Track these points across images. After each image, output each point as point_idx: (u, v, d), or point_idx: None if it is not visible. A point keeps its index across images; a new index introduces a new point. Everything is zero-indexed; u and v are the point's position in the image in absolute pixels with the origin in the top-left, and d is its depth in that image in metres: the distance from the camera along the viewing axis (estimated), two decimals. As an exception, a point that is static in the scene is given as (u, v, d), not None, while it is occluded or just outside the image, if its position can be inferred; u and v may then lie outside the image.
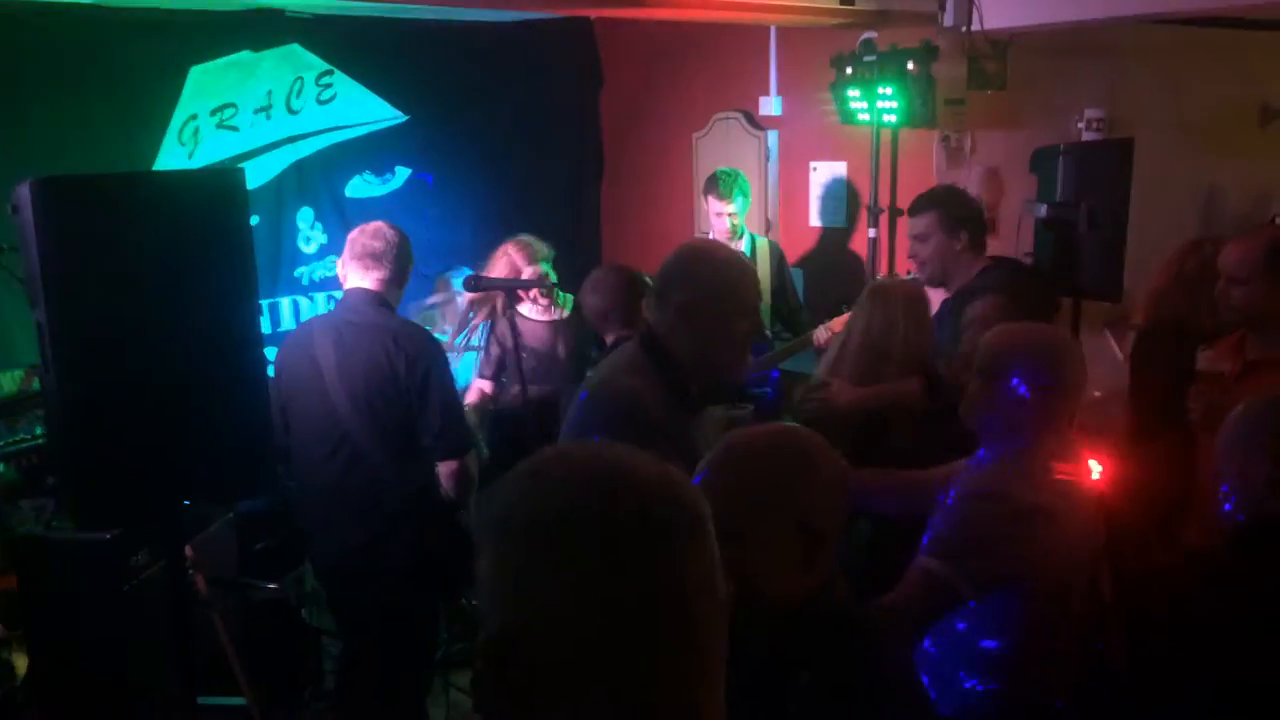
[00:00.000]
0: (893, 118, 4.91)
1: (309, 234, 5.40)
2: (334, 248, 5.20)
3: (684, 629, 0.90)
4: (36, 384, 3.25)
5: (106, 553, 3.27)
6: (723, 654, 0.93)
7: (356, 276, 3.27)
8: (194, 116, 4.90)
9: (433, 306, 4.69)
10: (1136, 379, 3.53)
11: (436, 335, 3.59)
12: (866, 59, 4.92)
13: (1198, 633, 1.64)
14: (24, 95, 4.30)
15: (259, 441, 2.53)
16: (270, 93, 5.14)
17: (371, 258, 3.25)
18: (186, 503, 2.46)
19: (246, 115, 5.08)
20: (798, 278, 5.43)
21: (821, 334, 4.38)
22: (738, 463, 1.58)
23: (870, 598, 3.17)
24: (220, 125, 4.99)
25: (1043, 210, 4.38)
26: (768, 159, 5.82)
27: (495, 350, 4.26)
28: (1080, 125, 4.98)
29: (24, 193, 2.17)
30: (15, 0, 4.16)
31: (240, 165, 4.85)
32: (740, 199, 4.78)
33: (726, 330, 2.35)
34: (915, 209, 3.62)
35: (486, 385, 4.30)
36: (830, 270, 5.69)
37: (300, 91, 5.23)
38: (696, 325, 2.34)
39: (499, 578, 0.91)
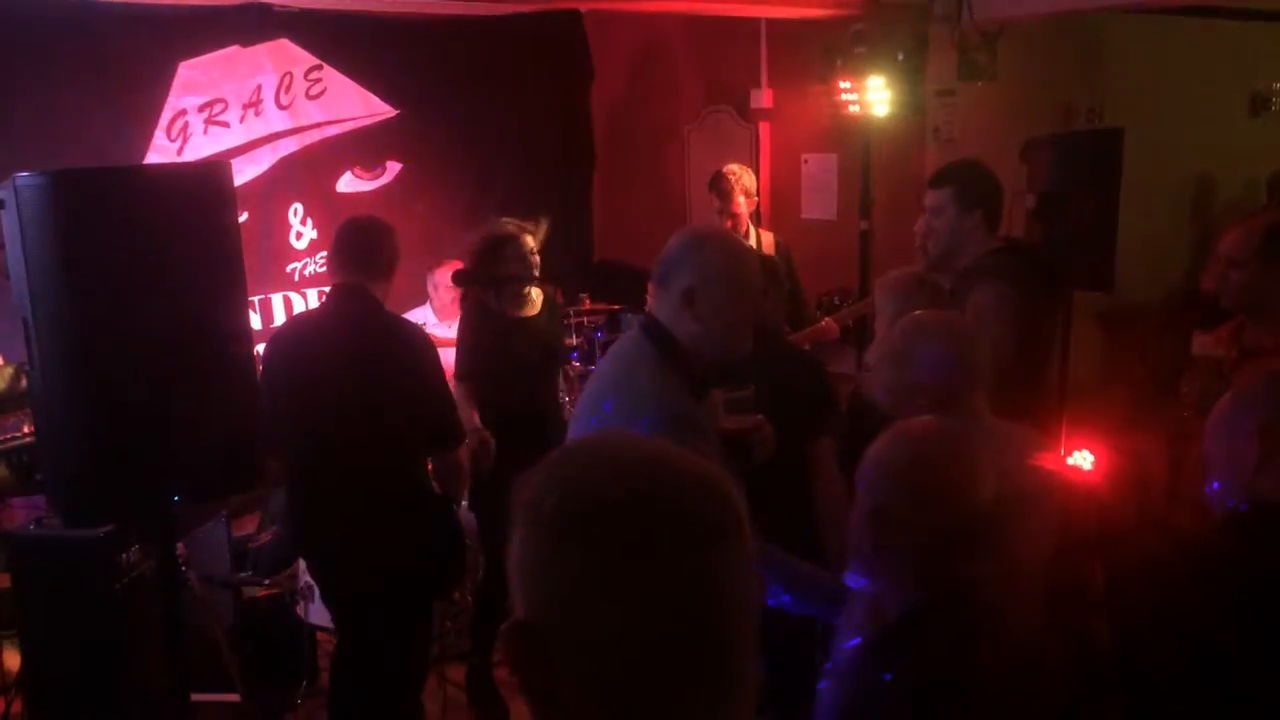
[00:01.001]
0: (883, 109, 4.90)
1: (299, 229, 5.39)
2: (325, 243, 5.19)
3: (713, 629, 0.88)
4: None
5: (98, 550, 3.28)
6: (753, 655, 0.92)
7: (344, 272, 3.26)
8: (182, 112, 4.89)
9: None
10: None
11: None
12: (857, 50, 4.91)
13: (1185, 617, 1.64)
14: (11, 89, 4.28)
15: (248, 437, 2.52)
16: (259, 87, 5.12)
17: (359, 252, 3.23)
18: (176, 499, 2.45)
19: (235, 110, 5.06)
20: (789, 270, 5.42)
21: (832, 325, 4.41)
22: None
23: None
24: (209, 120, 4.98)
25: (1032, 201, 4.39)
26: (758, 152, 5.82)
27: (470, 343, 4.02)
28: (1070, 116, 5.00)
29: (9, 188, 2.16)
30: (1, -4, 4.14)
31: (229, 160, 4.83)
32: (743, 200, 4.74)
33: (731, 314, 2.33)
34: (934, 182, 3.57)
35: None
36: (821, 263, 5.70)
37: (289, 86, 5.22)
38: (700, 310, 2.32)
39: (527, 563, 0.90)
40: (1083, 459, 3.64)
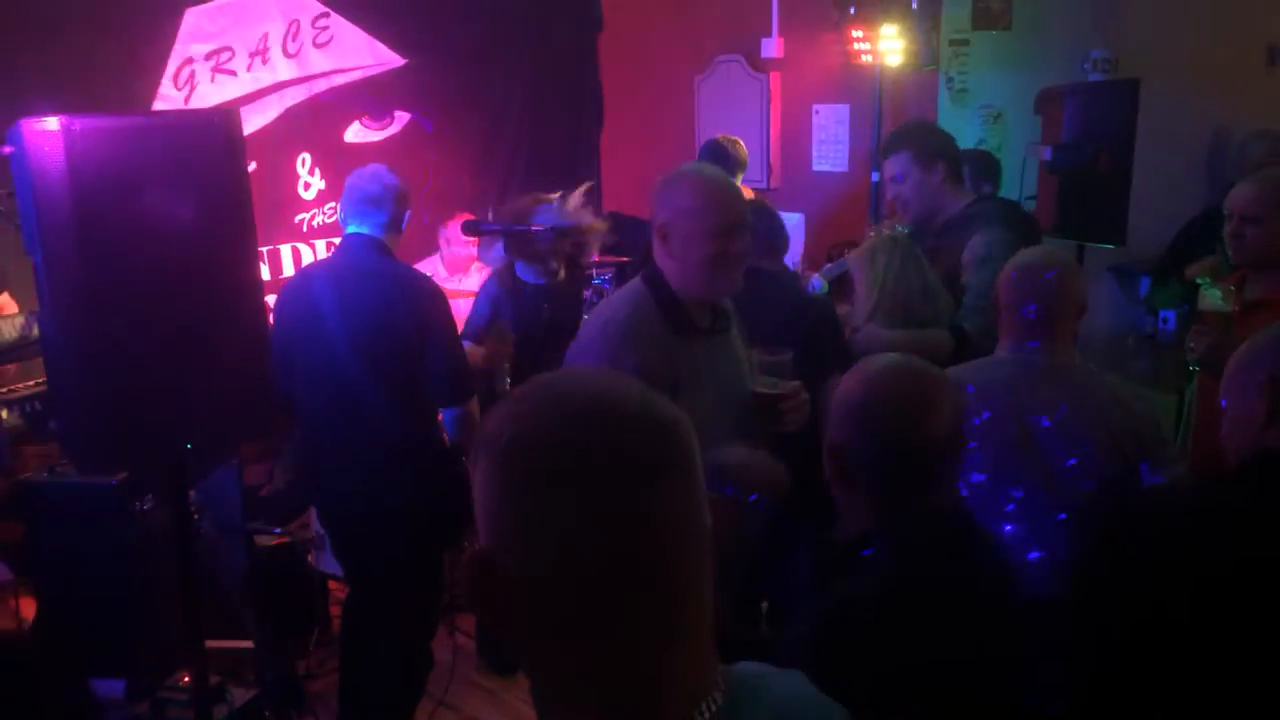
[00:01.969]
0: (897, 58, 4.85)
1: (308, 179, 5.36)
2: (333, 194, 5.16)
3: (658, 561, 0.90)
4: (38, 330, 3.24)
5: (112, 498, 3.30)
6: (706, 585, 0.93)
7: (355, 222, 3.25)
8: (189, 60, 4.84)
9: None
10: None
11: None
12: (870, -1, 4.85)
13: (1186, 567, 1.64)
14: (15, 37, 4.24)
15: (259, 386, 2.53)
16: (266, 35, 5.07)
17: (369, 203, 3.22)
18: (189, 447, 2.46)
19: (243, 59, 5.02)
20: (799, 222, 5.39)
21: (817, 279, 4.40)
22: None
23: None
24: (216, 69, 4.94)
25: (1048, 153, 4.35)
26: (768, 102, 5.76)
27: (486, 310, 3.97)
28: (1086, 66, 4.93)
29: (17, 134, 2.15)
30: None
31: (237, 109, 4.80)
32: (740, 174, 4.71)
33: (699, 251, 2.34)
34: (887, 150, 3.55)
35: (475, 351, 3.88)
36: (832, 215, 5.66)
37: (296, 34, 5.17)
38: (672, 247, 2.37)
39: (483, 495, 0.93)
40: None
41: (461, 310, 3.92)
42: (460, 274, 4.83)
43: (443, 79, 5.67)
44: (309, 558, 3.88)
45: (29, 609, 3.32)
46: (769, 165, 5.73)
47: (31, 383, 3.36)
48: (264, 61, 5.09)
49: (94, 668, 3.33)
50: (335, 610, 4.16)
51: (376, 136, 5.55)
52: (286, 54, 5.16)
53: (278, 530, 3.87)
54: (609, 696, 0.91)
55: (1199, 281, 3.06)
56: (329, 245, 5.23)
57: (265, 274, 4.92)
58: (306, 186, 5.37)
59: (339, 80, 5.36)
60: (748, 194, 4.82)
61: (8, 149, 2.14)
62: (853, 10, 4.92)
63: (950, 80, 5.08)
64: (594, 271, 5.30)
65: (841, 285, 4.12)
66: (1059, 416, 2.33)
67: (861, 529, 1.74)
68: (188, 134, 2.36)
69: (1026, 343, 2.41)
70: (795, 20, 5.58)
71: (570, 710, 0.93)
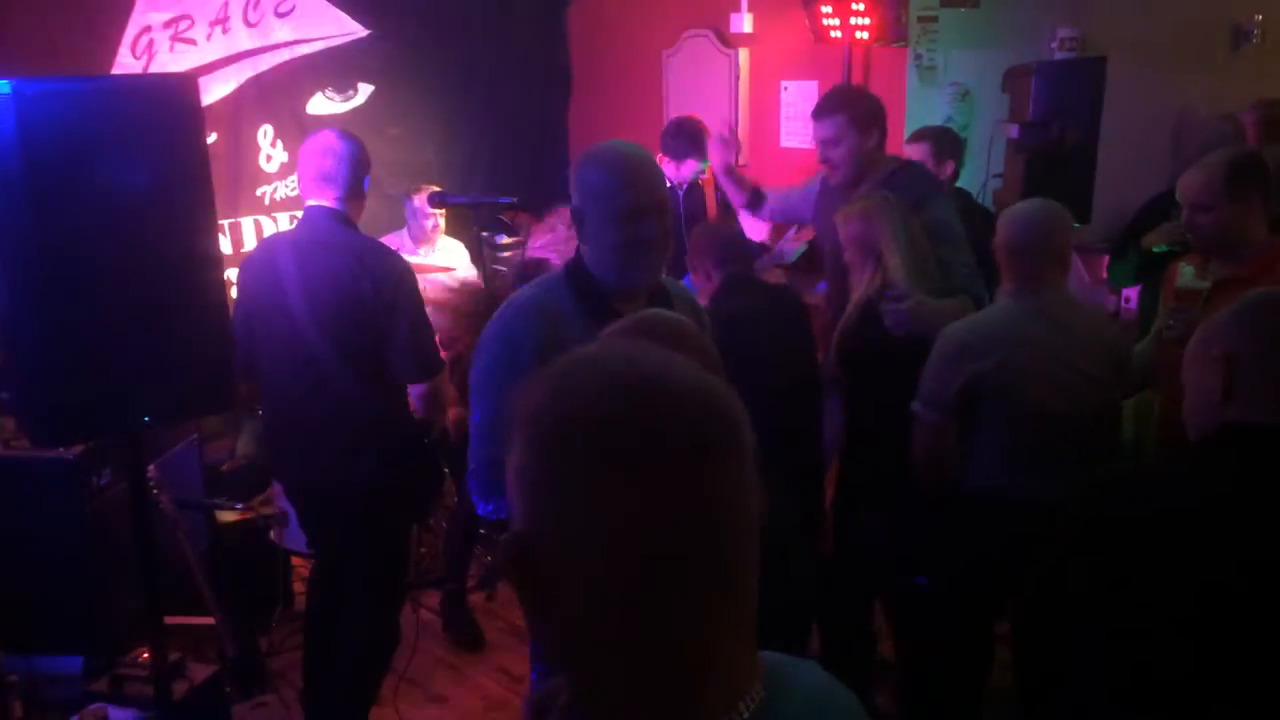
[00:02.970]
0: (866, 34, 4.84)
1: (269, 152, 5.29)
2: (295, 166, 5.08)
3: (710, 545, 0.86)
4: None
5: (69, 472, 3.25)
6: (753, 571, 0.90)
7: (312, 193, 3.19)
8: (147, 29, 4.75)
9: None
10: None
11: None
12: (839, -27, 4.84)
13: (1153, 538, 1.66)
14: (-32, 3, 4.15)
15: (218, 358, 2.49)
16: (226, 4, 4.98)
17: (323, 178, 3.16)
18: (146, 420, 2.41)
19: (202, 28, 4.93)
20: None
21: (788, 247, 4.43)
22: None
23: (882, 593, 3.30)
24: (175, 38, 4.85)
25: (1015, 131, 4.36)
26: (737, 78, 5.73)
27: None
28: (1053, 45, 4.94)
29: (-32, 100, 2.09)
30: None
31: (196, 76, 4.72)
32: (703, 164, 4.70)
33: (610, 236, 2.22)
34: (822, 111, 3.50)
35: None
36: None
37: (258, 3, 5.08)
38: (584, 232, 2.27)
39: (525, 474, 0.89)
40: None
41: (428, 285, 3.88)
42: (427, 245, 4.77)
43: (407, 49, 5.60)
44: (271, 534, 3.84)
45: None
46: (737, 141, 5.70)
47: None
48: (224, 30, 5.00)
49: (50, 644, 3.28)
50: (299, 587, 4.13)
51: (340, 108, 5.48)
52: (247, 23, 5.07)
53: (239, 505, 3.82)
54: (656, 694, 0.87)
55: (1155, 250, 3.07)
56: (292, 218, 5.17)
57: (227, 247, 4.86)
58: (268, 159, 5.30)
59: (301, 50, 5.28)
60: None
61: (-44, 113, 2.08)
62: (822, -15, 4.91)
63: (918, 57, 5.08)
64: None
65: (810, 260, 4.13)
66: None
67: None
68: (144, 99, 2.31)
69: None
70: (765, -5, 5.56)
71: (614, 711, 0.89)
